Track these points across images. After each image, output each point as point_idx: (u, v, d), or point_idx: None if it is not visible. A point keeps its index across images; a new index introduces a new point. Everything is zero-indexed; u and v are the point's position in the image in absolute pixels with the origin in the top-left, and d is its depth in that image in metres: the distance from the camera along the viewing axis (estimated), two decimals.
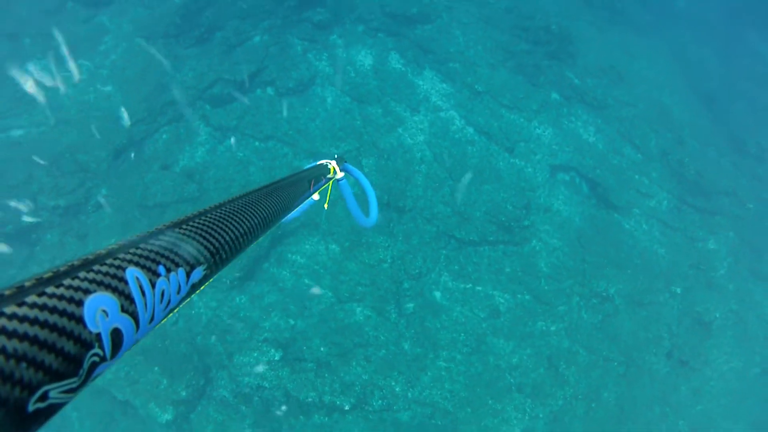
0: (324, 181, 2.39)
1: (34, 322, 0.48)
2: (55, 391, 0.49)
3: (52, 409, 0.50)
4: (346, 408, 7.80)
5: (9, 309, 0.47)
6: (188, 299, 0.83)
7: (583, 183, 10.69)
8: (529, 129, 10.80)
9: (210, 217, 0.97)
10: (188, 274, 0.81)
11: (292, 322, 8.16)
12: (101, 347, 0.57)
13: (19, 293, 0.50)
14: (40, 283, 0.53)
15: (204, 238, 0.90)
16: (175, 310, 0.80)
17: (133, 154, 8.70)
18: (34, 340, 0.47)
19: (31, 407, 0.46)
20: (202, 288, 0.89)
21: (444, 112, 10.51)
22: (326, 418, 7.78)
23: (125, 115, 8.70)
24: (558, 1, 13.94)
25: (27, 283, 0.52)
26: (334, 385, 7.90)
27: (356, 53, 10.90)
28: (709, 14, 19.04)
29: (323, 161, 2.60)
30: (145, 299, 0.67)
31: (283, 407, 7.70)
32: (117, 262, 0.65)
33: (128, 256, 0.68)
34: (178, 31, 10.15)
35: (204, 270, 0.87)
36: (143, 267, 0.69)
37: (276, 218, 1.36)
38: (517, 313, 8.90)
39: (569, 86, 11.86)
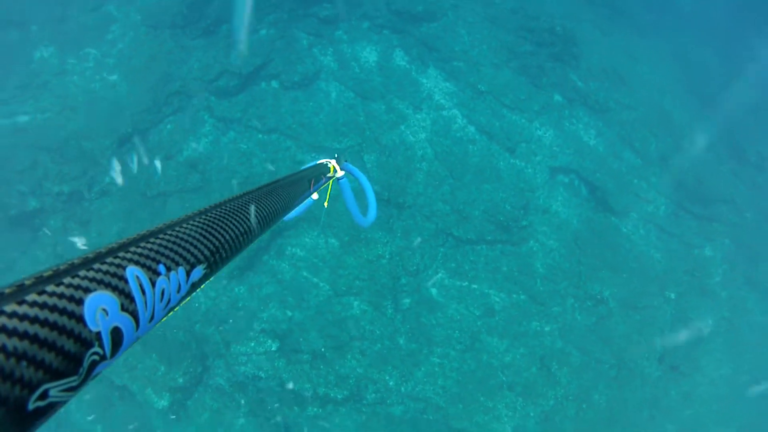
0: (324, 180, 2.41)
1: (34, 320, 0.48)
2: (55, 389, 0.49)
3: (52, 408, 0.50)
4: (340, 399, 7.93)
5: (9, 307, 0.47)
6: (188, 298, 0.84)
7: (582, 186, 10.77)
8: (530, 130, 10.87)
9: (210, 216, 0.98)
10: (188, 273, 0.81)
11: (289, 313, 8.27)
12: (101, 346, 0.57)
13: (19, 291, 0.50)
14: (41, 281, 0.53)
15: (204, 236, 0.90)
16: (175, 309, 0.80)
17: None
18: (34, 339, 0.47)
19: (31, 406, 0.46)
20: (201, 287, 0.89)
21: (446, 110, 10.58)
22: (320, 410, 7.90)
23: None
24: (563, 3, 13.95)
25: (27, 282, 0.52)
26: (329, 377, 8.02)
27: (361, 49, 10.96)
28: (715, 18, 19.00)
29: (323, 160, 2.62)
30: (145, 298, 0.67)
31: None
32: (117, 261, 0.65)
33: (128, 255, 0.68)
34: (185, 21, 10.22)
35: (204, 269, 0.87)
36: (143, 266, 0.69)
37: (276, 217, 1.37)
38: (512, 312, 9.01)
39: (572, 88, 11.91)
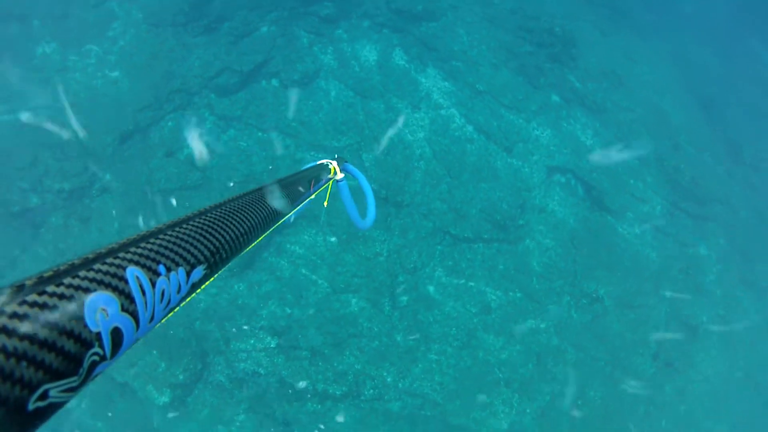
0: (324, 181, 2.42)
1: (34, 320, 0.48)
2: (55, 390, 0.50)
3: (52, 408, 0.50)
4: (339, 396, 8.02)
5: (10, 308, 0.48)
6: (188, 299, 0.84)
7: (578, 185, 10.87)
8: (528, 130, 10.96)
9: (210, 217, 0.98)
10: (188, 274, 0.81)
11: (288, 310, 8.35)
12: (101, 346, 0.57)
13: (19, 292, 0.51)
14: (41, 281, 0.54)
15: (204, 237, 0.90)
16: (176, 310, 0.80)
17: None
18: (34, 339, 0.47)
19: (31, 406, 0.46)
20: (202, 287, 0.90)
21: (445, 109, 10.66)
22: (319, 406, 7.99)
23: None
24: (563, 3, 14.04)
25: (28, 282, 0.53)
26: (328, 373, 8.11)
27: (361, 48, 11.02)
28: (714, 19, 19.10)
29: (324, 161, 2.62)
30: (146, 298, 0.67)
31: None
32: (117, 261, 0.65)
33: (128, 255, 0.68)
34: (187, 19, 10.26)
35: (204, 269, 0.88)
36: (143, 266, 0.69)
37: (276, 218, 1.37)
38: (508, 310, 9.12)
39: (570, 89, 12.01)
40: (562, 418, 8.81)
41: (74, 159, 8.62)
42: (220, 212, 1.03)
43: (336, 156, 2.91)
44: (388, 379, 8.26)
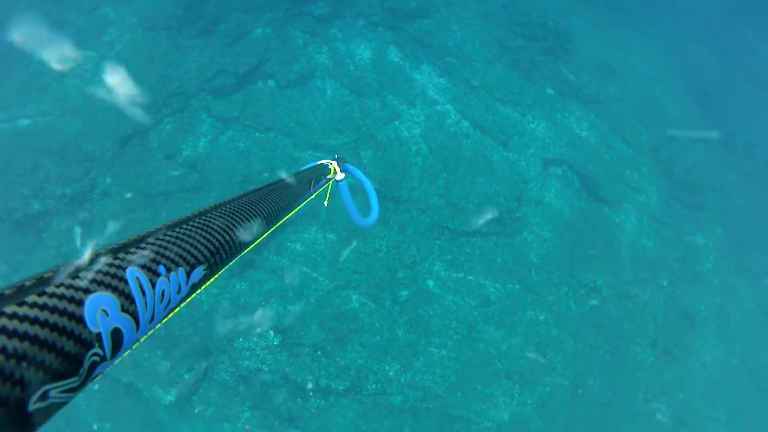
0: (324, 181, 2.43)
1: (34, 321, 0.48)
2: (55, 390, 0.50)
3: (52, 409, 0.50)
4: (342, 391, 8.14)
5: (9, 308, 0.47)
6: (188, 299, 0.84)
7: (574, 177, 10.97)
8: (523, 123, 11.06)
9: (210, 217, 0.98)
10: (188, 274, 0.81)
11: (290, 308, 8.46)
12: (101, 347, 0.57)
13: (19, 293, 0.50)
14: (41, 282, 0.54)
15: (204, 237, 0.90)
16: (176, 310, 0.80)
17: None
18: (34, 340, 0.47)
19: (31, 407, 0.46)
20: (202, 288, 0.91)
21: (440, 105, 10.75)
22: (322, 401, 8.11)
23: None
24: None
25: (27, 283, 0.53)
26: (330, 369, 8.22)
27: (356, 47, 11.11)
28: (708, 11, 19.17)
29: (324, 161, 2.62)
30: (146, 299, 0.67)
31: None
32: (117, 262, 0.65)
33: (128, 256, 0.68)
34: (181, 22, 10.34)
35: (204, 270, 0.88)
36: (143, 267, 0.69)
37: (276, 218, 1.37)
38: (508, 302, 9.23)
39: (564, 82, 12.10)
40: (562, 408, 8.93)
41: (74, 164, 8.72)
42: (220, 212, 1.03)
43: (336, 156, 2.92)
44: (390, 373, 8.37)
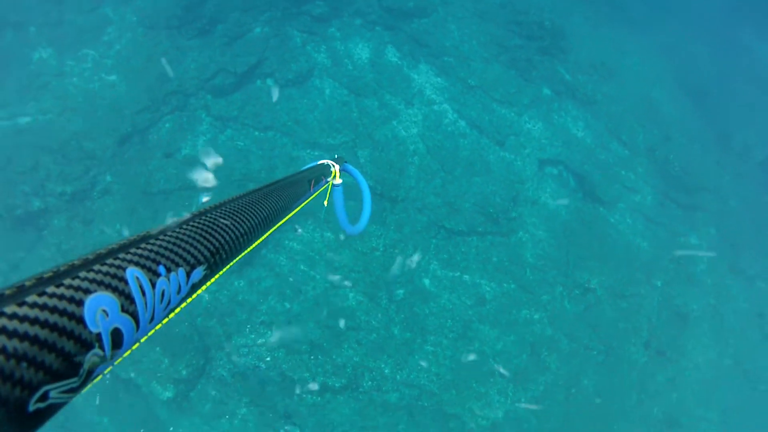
0: (323, 182, 2.43)
1: (34, 321, 0.48)
2: (55, 391, 0.49)
3: (53, 409, 0.50)
4: (338, 388, 8.24)
5: (9, 309, 0.47)
6: (189, 300, 0.84)
7: (570, 177, 11.06)
8: (519, 123, 11.13)
9: (210, 217, 0.97)
10: (188, 274, 0.81)
11: (287, 305, 8.55)
12: (101, 347, 0.57)
13: (19, 293, 0.50)
14: (41, 282, 0.54)
15: (204, 237, 0.90)
16: (176, 311, 0.80)
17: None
18: (34, 340, 0.47)
19: (31, 407, 0.46)
20: (203, 289, 0.90)
21: (437, 105, 10.83)
22: (319, 398, 8.21)
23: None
24: None
25: (27, 283, 0.53)
26: (327, 366, 8.32)
27: (354, 46, 11.17)
28: (705, 11, 19.18)
29: (324, 161, 2.62)
30: (146, 299, 0.67)
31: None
32: (117, 262, 0.65)
33: (128, 256, 0.68)
34: (181, 22, 10.40)
35: (204, 270, 0.87)
36: (143, 267, 0.69)
37: (276, 218, 1.37)
38: (503, 301, 9.32)
39: (560, 82, 12.17)
40: (556, 407, 9.04)
41: (75, 162, 8.79)
42: (221, 212, 1.03)
43: (336, 156, 2.94)
44: (386, 371, 8.47)
